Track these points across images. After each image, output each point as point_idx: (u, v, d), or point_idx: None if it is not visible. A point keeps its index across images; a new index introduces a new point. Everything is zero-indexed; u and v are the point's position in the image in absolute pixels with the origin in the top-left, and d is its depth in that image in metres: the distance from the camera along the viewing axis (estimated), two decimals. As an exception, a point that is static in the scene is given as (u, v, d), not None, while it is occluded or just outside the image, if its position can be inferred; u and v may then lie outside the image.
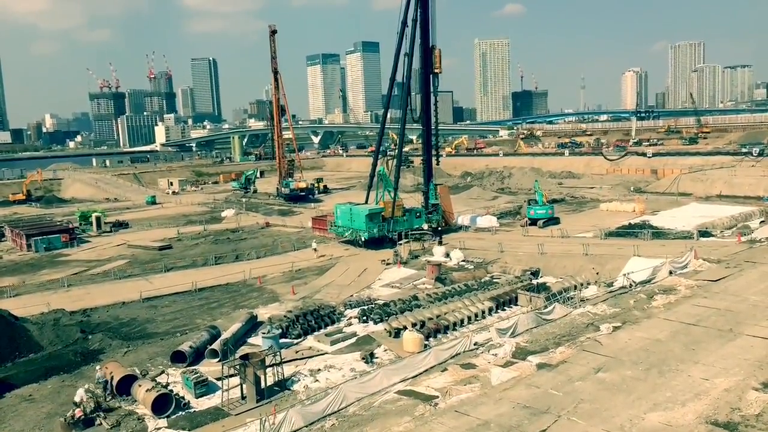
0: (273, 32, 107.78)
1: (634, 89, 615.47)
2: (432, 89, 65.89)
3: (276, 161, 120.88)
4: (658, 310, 35.16)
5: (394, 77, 66.20)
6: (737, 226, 59.68)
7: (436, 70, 64.94)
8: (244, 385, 27.07)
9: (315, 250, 58.47)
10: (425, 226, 63.63)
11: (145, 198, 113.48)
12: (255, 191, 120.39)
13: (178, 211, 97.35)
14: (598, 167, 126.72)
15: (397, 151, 68.96)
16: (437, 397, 25.42)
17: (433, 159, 70.30)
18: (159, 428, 25.05)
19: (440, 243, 57.79)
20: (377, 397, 25.85)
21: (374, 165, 68.28)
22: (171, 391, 27.11)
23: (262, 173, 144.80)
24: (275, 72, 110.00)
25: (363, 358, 31.19)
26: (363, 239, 59.47)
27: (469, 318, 36.81)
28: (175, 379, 29.75)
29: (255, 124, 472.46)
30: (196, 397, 27.42)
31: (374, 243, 59.62)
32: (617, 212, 72.42)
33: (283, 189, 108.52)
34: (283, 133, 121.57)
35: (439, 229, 64.08)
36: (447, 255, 54.19)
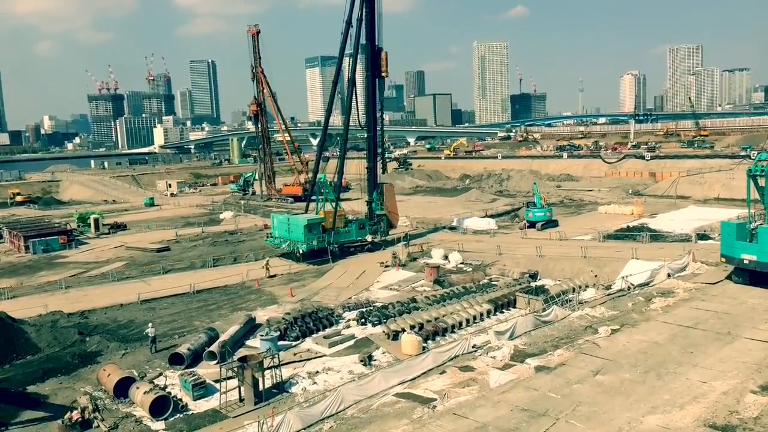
0: (257, 33, 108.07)
1: (632, 92, 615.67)
2: (378, 94, 62.01)
3: (288, 160, 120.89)
4: (656, 312, 35.20)
5: (337, 81, 61.95)
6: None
7: (382, 74, 61.29)
8: (242, 388, 27.04)
9: (267, 267, 52.28)
10: (369, 238, 60.26)
11: (144, 200, 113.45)
12: (253, 193, 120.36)
13: (176, 213, 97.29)
14: (596, 170, 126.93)
15: (339, 156, 64.14)
16: (435, 399, 25.39)
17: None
18: (157, 431, 25.02)
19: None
20: (375, 400, 25.83)
21: (315, 172, 63.70)
22: (169, 393, 27.10)
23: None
24: (262, 73, 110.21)
25: (361, 361, 31.17)
26: (301, 252, 55.57)
27: (468, 320, 36.81)
28: (173, 381, 29.73)
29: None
30: (194, 400, 27.38)
31: (313, 256, 55.69)
32: (616, 215, 72.50)
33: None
34: (277, 135, 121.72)
35: (376, 242, 60.54)
36: (445, 257, 54.21)
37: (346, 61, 61.90)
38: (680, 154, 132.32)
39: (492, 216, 76.52)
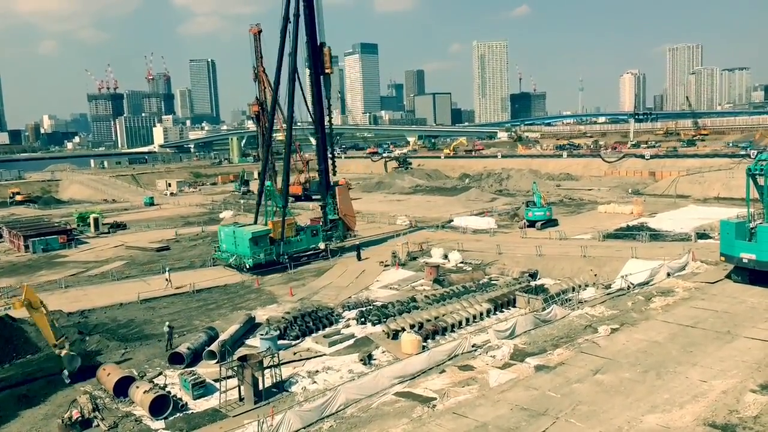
0: (258, 32, 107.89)
1: (632, 91, 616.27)
2: (324, 92, 59.45)
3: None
4: (655, 312, 35.20)
5: (278, 80, 58.54)
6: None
7: (327, 71, 58.80)
8: (242, 387, 27.04)
9: (167, 280, 48.54)
10: (322, 245, 57.37)
11: (143, 199, 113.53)
12: (247, 192, 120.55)
13: (176, 213, 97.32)
14: (596, 169, 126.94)
15: (285, 158, 61.10)
16: (435, 398, 25.40)
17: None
18: (157, 430, 25.01)
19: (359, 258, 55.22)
20: (375, 399, 25.84)
21: (262, 180, 59.67)
22: (169, 392, 27.07)
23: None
24: (264, 72, 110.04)
25: (361, 360, 31.16)
26: (247, 266, 51.91)
27: (467, 320, 36.80)
28: (172, 380, 29.71)
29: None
30: (194, 399, 27.38)
31: (262, 268, 52.12)
32: (615, 214, 72.48)
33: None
34: (277, 135, 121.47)
35: (331, 248, 57.88)
36: (445, 256, 54.21)
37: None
38: (680, 153, 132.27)
39: (487, 212, 77.35)
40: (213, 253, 57.90)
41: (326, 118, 60.65)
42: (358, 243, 59.13)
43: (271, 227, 54.36)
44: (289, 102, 58.25)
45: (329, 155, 61.81)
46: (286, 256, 54.12)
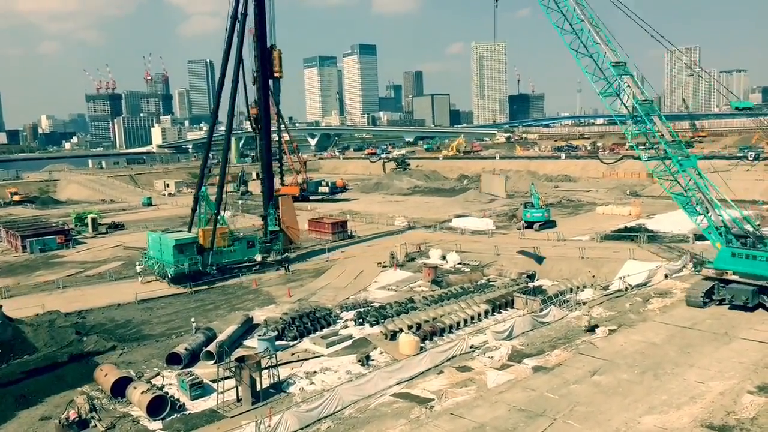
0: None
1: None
2: (272, 95, 57.42)
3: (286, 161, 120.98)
4: (653, 313, 35.27)
5: (222, 82, 56.04)
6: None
7: (276, 74, 56.77)
8: (239, 388, 27.02)
9: (139, 274, 48.10)
10: (258, 258, 54.54)
11: (141, 199, 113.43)
12: (246, 192, 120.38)
13: (173, 213, 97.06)
14: (594, 170, 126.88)
15: (220, 164, 58.63)
16: (433, 399, 25.41)
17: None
18: (154, 430, 24.98)
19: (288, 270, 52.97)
20: (373, 400, 25.84)
21: (200, 185, 56.43)
22: (166, 393, 27.05)
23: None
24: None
25: (359, 361, 31.16)
26: (169, 275, 48.35)
27: (465, 321, 36.83)
28: (170, 381, 29.69)
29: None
30: (192, 400, 27.35)
31: (187, 280, 48.40)
32: (613, 215, 72.62)
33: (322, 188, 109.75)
34: (275, 136, 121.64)
35: (268, 261, 55.27)
36: (443, 257, 54.23)
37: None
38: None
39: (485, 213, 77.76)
40: (142, 259, 53.81)
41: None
42: (286, 256, 56.75)
43: (201, 235, 51.28)
44: (230, 105, 55.65)
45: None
46: (215, 267, 50.98)
